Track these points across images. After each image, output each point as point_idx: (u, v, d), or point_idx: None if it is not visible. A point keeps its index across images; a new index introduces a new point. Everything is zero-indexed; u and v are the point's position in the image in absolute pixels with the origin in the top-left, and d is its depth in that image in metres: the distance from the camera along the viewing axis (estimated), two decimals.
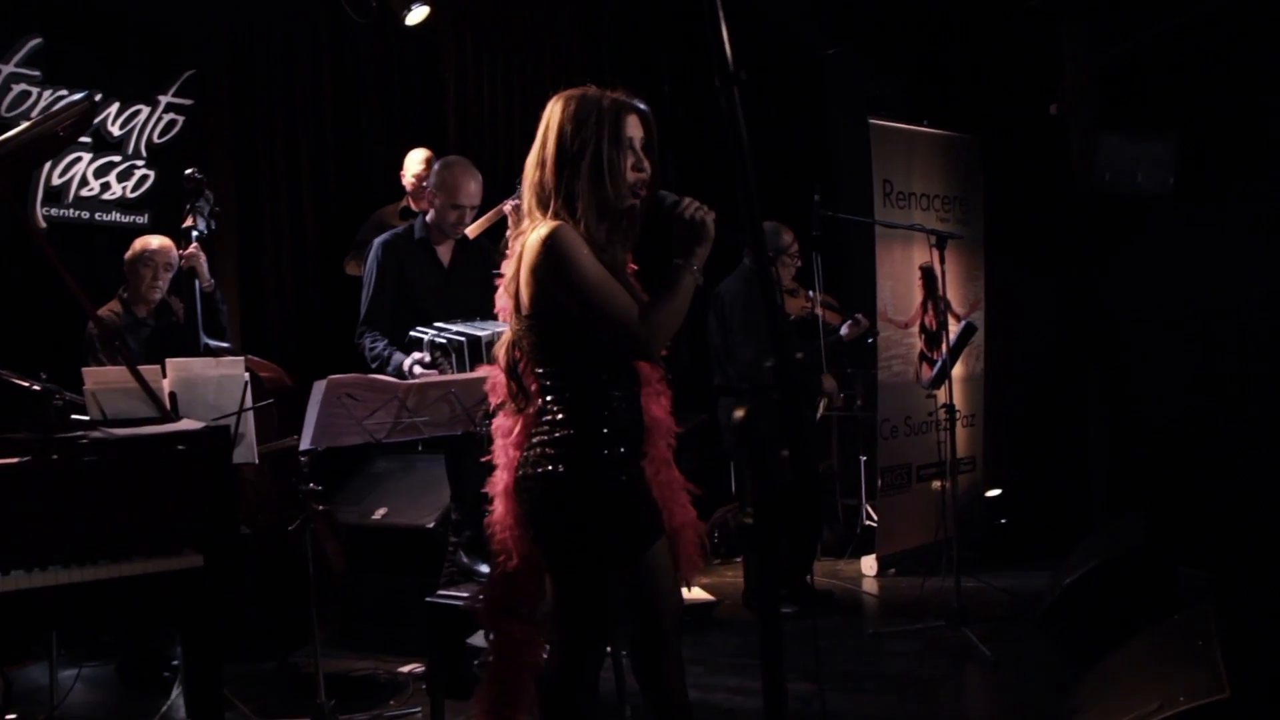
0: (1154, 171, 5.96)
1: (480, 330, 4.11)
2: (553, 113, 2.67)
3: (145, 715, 4.03)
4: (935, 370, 5.58)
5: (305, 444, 3.55)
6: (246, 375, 4.11)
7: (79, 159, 5.36)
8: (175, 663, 4.68)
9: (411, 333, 4.21)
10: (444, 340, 4.07)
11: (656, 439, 2.84)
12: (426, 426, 3.60)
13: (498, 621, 2.91)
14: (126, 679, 4.54)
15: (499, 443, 2.83)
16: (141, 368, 3.88)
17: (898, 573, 6.08)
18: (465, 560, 4.35)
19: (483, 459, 2.90)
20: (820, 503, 5.96)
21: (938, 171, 6.39)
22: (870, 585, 5.98)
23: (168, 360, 4.08)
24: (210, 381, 4.10)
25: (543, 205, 2.65)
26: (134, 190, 5.55)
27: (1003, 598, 5.48)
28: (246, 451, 4.23)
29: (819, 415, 6.60)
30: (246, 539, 3.52)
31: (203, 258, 4.69)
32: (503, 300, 2.76)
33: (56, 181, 5.30)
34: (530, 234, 2.61)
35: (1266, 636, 3.62)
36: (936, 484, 6.46)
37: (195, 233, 4.65)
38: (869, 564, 6.12)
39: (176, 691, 4.22)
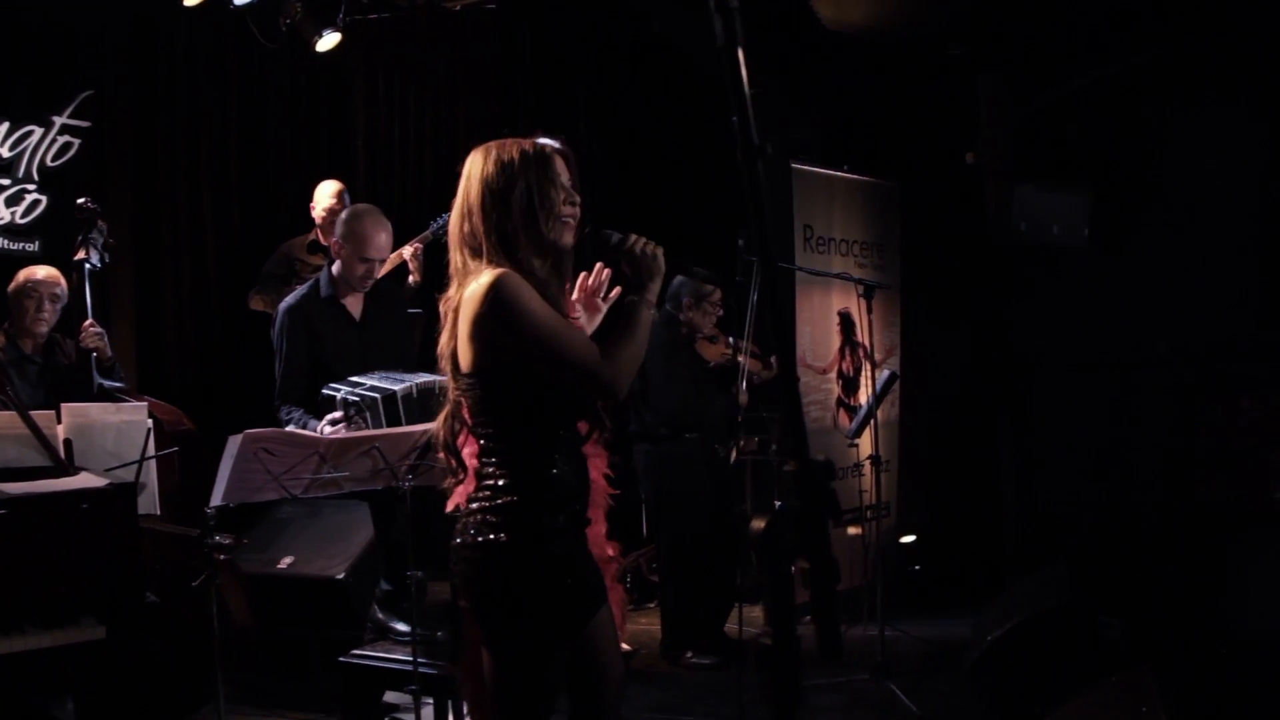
0: (1069, 223, 6.06)
1: (396, 384, 3.91)
2: (473, 163, 2.53)
3: None
4: (857, 419, 5.54)
5: (216, 500, 3.32)
6: (149, 422, 3.88)
7: None
8: None
9: (324, 390, 3.97)
10: (357, 398, 3.85)
11: (595, 502, 2.71)
12: (347, 482, 3.40)
13: (477, 688, 2.78)
14: None
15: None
16: (35, 413, 3.64)
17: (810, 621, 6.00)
18: (381, 616, 4.14)
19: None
20: (735, 547, 5.85)
21: (857, 217, 6.40)
22: None
23: (63, 405, 3.83)
24: (110, 428, 3.86)
25: (476, 254, 2.49)
26: (23, 216, 5.22)
27: (921, 647, 5.45)
28: (149, 502, 3.99)
29: (733, 459, 6.54)
30: (153, 606, 3.27)
31: (105, 341, 4.43)
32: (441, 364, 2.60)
33: None
34: (467, 288, 2.45)
35: (1204, 694, 3.63)
36: (854, 530, 6.44)
37: (87, 265, 4.40)
38: None
39: None
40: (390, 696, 4.35)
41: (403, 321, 4.59)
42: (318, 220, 5.46)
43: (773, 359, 5.61)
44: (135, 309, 5.61)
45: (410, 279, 5.39)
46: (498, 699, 2.52)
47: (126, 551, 2.92)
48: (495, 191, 2.47)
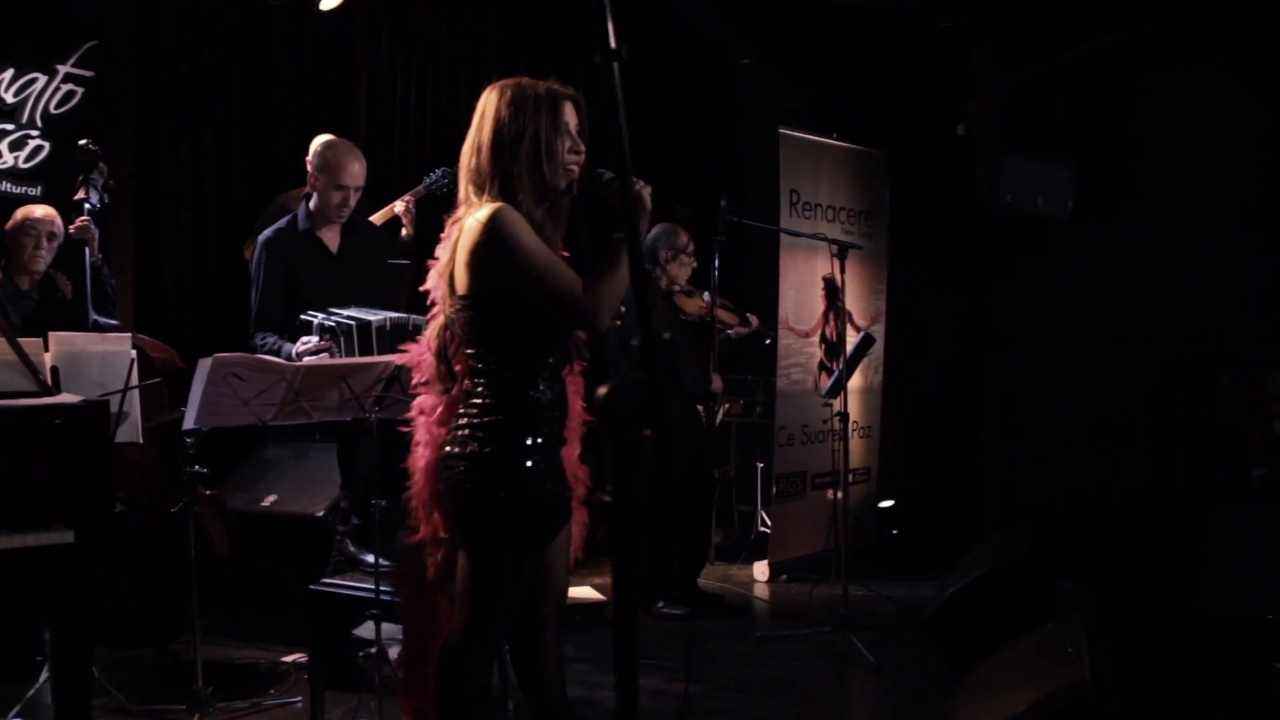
0: (1054, 195, 6.11)
1: (372, 315, 4.04)
2: (489, 100, 2.72)
3: (10, 701, 3.90)
4: (832, 379, 5.64)
5: (189, 423, 3.47)
6: (133, 352, 4.01)
7: None
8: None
9: (302, 316, 4.11)
10: (333, 324, 4.00)
11: (571, 426, 2.88)
12: (315, 410, 3.53)
13: (412, 598, 2.97)
14: None
15: (421, 420, 2.87)
16: (23, 340, 3.78)
17: (789, 579, 6.14)
18: (352, 549, 4.29)
19: (403, 429, 2.93)
20: (713, 505, 5.98)
21: (845, 184, 6.48)
22: (762, 590, 6.03)
23: (51, 334, 3.95)
24: (95, 357, 3.99)
25: (479, 189, 2.70)
26: (26, 161, 5.37)
27: (891, 606, 5.56)
28: (131, 431, 4.13)
29: (719, 420, 6.66)
30: (123, 516, 3.42)
31: (94, 230, 4.56)
32: (433, 282, 2.80)
33: None
34: (468, 217, 2.67)
35: (1132, 638, 3.73)
36: (830, 493, 6.55)
37: (87, 205, 4.52)
38: (761, 570, 6.17)
39: (45, 676, 4.09)
40: (364, 631, 4.51)
41: (380, 260, 4.71)
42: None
43: (750, 316, 5.73)
44: (135, 254, 5.76)
45: (403, 231, 5.52)
46: (468, 599, 2.73)
47: (96, 465, 3.05)
48: (505, 135, 2.67)
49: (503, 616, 2.76)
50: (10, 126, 5.31)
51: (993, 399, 6.70)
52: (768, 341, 5.99)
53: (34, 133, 5.39)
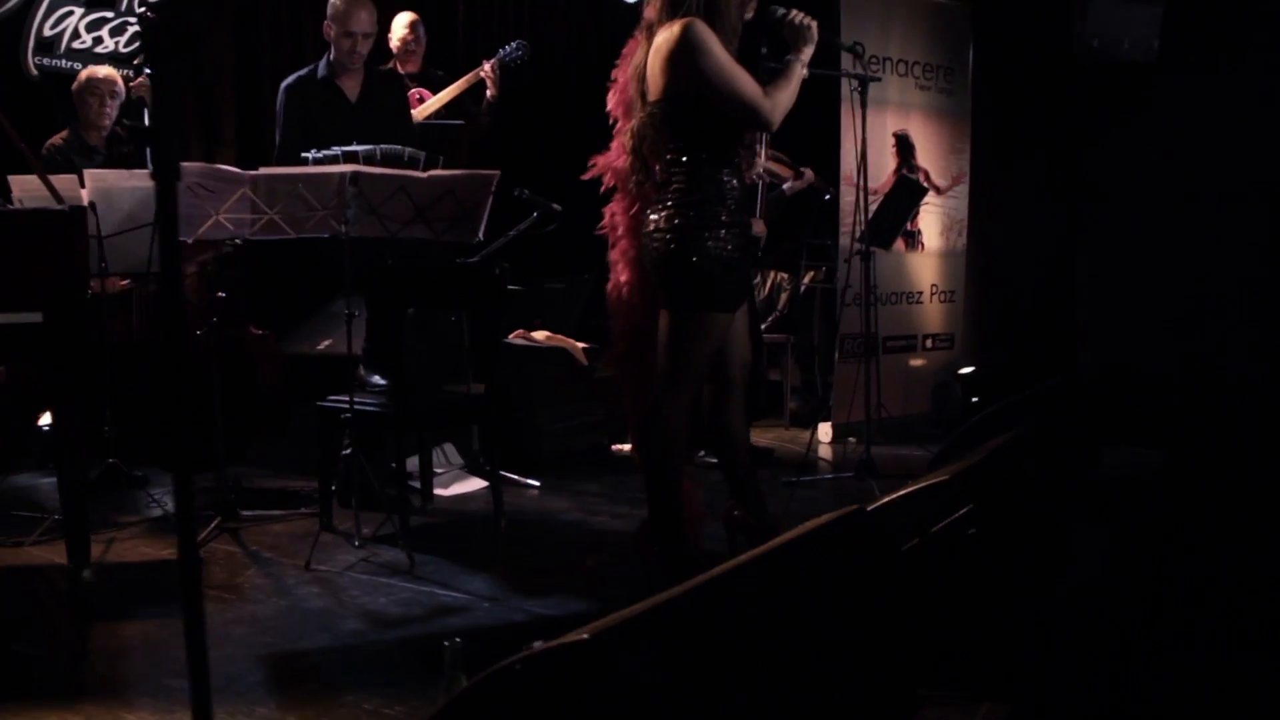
0: (1140, 37, 5.73)
1: (361, 147, 4.26)
2: None
3: None
4: (870, 224, 5.44)
5: None
6: None
7: (71, 12, 5.72)
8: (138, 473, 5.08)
9: (301, 154, 4.37)
10: (320, 156, 4.24)
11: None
12: (288, 224, 3.78)
13: (622, 363, 3.59)
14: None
15: (617, 220, 3.51)
16: (59, 177, 4.23)
17: (858, 442, 6.06)
18: (362, 373, 4.57)
19: (598, 231, 3.56)
20: (762, 363, 5.97)
21: (920, 37, 6.25)
22: (824, 451, 5.99)
23: (86, 171, 4.36)
24: (126, 193, 4.35)
25: (673, 9, 3.23)
26: (126, 46, 5.89)
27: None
28: None
29: (803, 289, 6.62)
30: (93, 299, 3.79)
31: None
32: (614, 100, 3.46)
33: (48, 32, 5.67)
34: (662, 31, 3.22)
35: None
36: (918, 362, 6.43)
37: (147, 69, 4.95)
38: (825, 431, 6.12)
39: None
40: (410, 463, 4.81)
41: (401, 109, 4.93)
42: (393, 49, 5.88)
43: (804, 169, 5.65)
44: (236, 133, 6.24)
45: (488, 93, 5.82)
46: (671, 350, 3.31)
47: (70, 259, 3.40)
48: None
49: (697, 367, 3.31)
50: (110, 14, 5.83)
51: (1088, 262, 6.37)
52: (827, 198, 5.89)
53: (132, 19, 5.89)
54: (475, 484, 4.92)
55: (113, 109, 5.04)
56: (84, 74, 5.07)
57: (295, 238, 4.04)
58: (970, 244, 6.54)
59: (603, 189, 3.55)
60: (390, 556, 3.84)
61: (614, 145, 3.50)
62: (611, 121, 3.50)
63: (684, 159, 3.24)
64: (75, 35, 5.74)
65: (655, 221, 3.27)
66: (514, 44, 5.98)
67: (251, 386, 5.04)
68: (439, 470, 5.18)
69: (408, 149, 4.36)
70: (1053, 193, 6.47)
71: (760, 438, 6.11)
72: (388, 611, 3.20)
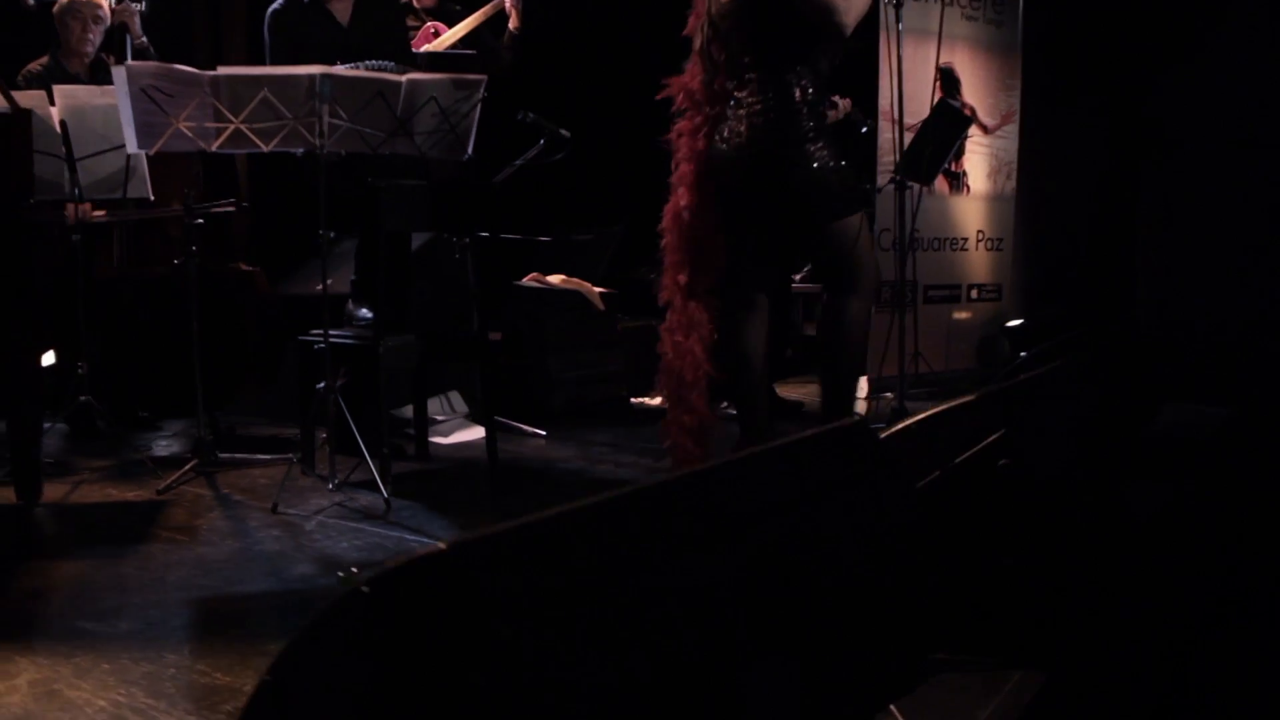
0: None
1: (340, 68, 3.89)
2: None
3: None
4: (905, 153, 4.99)
5: (131, 147, 3.44)
6: None
7: None
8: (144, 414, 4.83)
9: None
10: None
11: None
12: (259, 135, 3.43)
13: (675, 300, 3.55)
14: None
15: (684, 140, 3.48)
16: (24, 93, 3.93)
17: (894, 397, 5.66)
18: (350, 307, 4.25)
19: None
20: (790, 315, 5.58)
21: None
22: (860, 407, 5.58)
23: (56, 88, 4.07)
24: (98, 110, 4.06)
25: None
26: None
27: None
28: (140, 186, 4.22)
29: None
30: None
31: (135, 12, 4.68)
32: (692, 23, 3.45)
33: None
34: None
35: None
36: (963, 314, 6.01)
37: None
38: (861, 386, 5.71)
39: None
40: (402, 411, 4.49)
41: (396, 33, 4.57)
42: None
43: (838, 98, 5.23)
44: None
45: (510, 24, 5.44)
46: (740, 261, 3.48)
47: (12, 164, 3.11)
48: None
49: (772, 281, 3.55)
50: None
51: (1149, 208, 5.89)
52: (863, 130, 5.45)
53: None
54: (478, 433, 4.58)
55: (96, 34, 4.70)
56: None
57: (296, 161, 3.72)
58: (1020, 188, 6.08)
59: (673, 111, 3.53)
60: (368, 501, 3.52)
61: (689, 68, 3.49)
62: (683, 36, 3.52)
63: (758, 59, 3.22)
64: None
65: (725, 139, 3.31)
66: None
67: (239, 326, 4.73)
68: (440, 418, 4.86)
69: (389, 64, 3.98)
70: (1111, 132, 5.96)
71: (792, 392, 5.74)
72: (345, 556, 2.86)
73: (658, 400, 5.49)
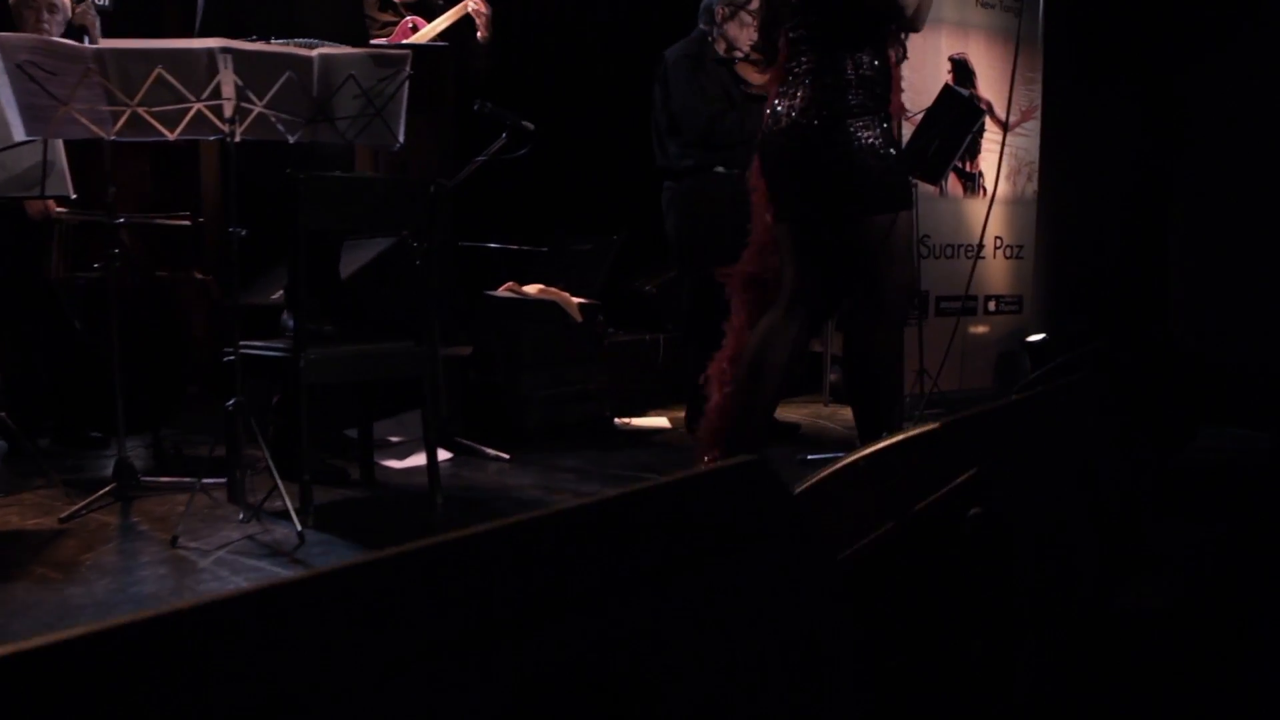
0: None
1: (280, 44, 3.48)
2: None
3: None
4: (908, 143, 4.54)
5: (18, 135, 3.05)
6: None
7: None
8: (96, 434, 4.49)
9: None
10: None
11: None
12: (161, 120, 3.02)
13: (746, 289, 3.49)
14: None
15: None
16: None
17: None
18: (284, 317, 3.85)
19: None
20: None
21: None
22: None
23: None
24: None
25: None
26: None
27: None
28: (59, 182, 3.84)
29: None
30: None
31: (94, 15, 4.33)
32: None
33: None
34: None
35: None
36: (979, 329, 5.54)
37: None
38: None
39: None
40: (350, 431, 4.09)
41: (349, 7, 4.14)
42: None
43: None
44: None
45: (479, 34, 5.02)
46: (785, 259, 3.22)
47: None
48: None
49: (822, 285, 3.23)
50: None
51: (1183, 212, 5.40)
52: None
53: None
54: (439, 456, 4.15)
55: (53, 25, 4.35)
56: None
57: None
58: (1042, 190, 5.60)
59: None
60: (282, 534, 3.11)
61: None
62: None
63: (815, 34, 3.05)
64: None
65: (773, 118, 3.11)
66: None
67: (183, 337, 4.35)
68: (395, 439, 4.45)
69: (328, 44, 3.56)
70: (1141, 129, 5.48)
71: (794, 413, 5.32)
72: None
73: (658, 421, 5.07)
